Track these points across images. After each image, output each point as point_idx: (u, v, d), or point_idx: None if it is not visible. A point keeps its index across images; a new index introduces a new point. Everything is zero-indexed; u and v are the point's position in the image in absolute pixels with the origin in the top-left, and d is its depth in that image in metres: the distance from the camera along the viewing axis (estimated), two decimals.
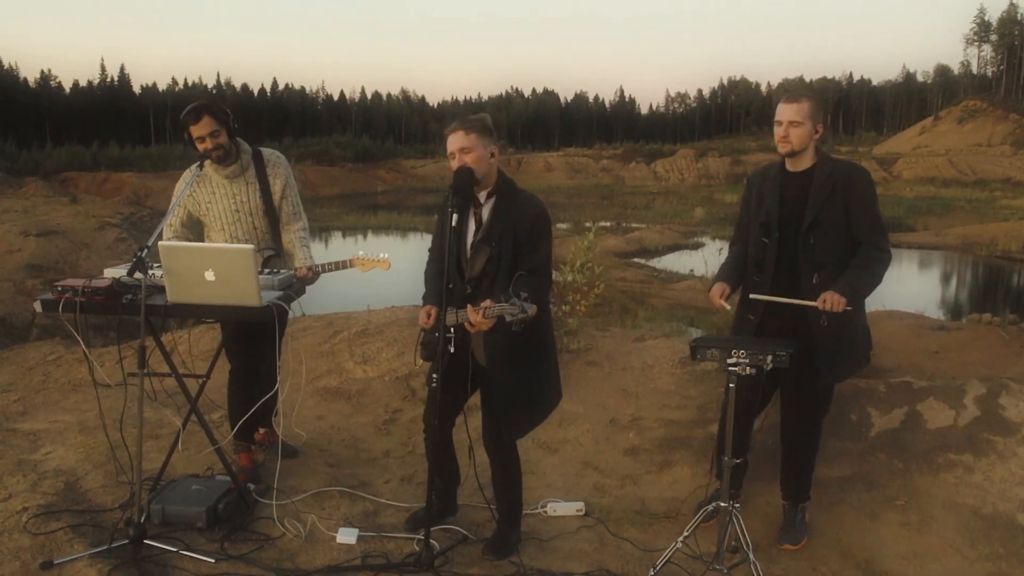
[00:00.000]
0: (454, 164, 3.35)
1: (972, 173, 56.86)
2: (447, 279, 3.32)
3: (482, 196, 3.41)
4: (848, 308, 3.39)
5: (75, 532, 3.52)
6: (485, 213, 3.41)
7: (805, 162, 3.65)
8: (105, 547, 3.38)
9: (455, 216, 3.27)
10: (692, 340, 3.40)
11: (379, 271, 3.96)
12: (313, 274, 4.02)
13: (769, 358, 3.16)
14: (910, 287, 20.36)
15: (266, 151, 4.23)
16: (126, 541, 3.40)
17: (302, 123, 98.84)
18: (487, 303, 3.16)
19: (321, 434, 5.06)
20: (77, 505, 3.81)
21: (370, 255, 3.93)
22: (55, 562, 3.26)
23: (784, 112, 3.59)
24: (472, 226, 3.44)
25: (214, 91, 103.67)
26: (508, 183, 3.45)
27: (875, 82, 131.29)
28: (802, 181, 3.64)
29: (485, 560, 3.56)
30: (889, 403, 4.66)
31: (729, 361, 3.22)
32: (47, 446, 4.56)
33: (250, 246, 3.35)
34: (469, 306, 3.21)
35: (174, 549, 3.42)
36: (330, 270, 4.03)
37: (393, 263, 3.91)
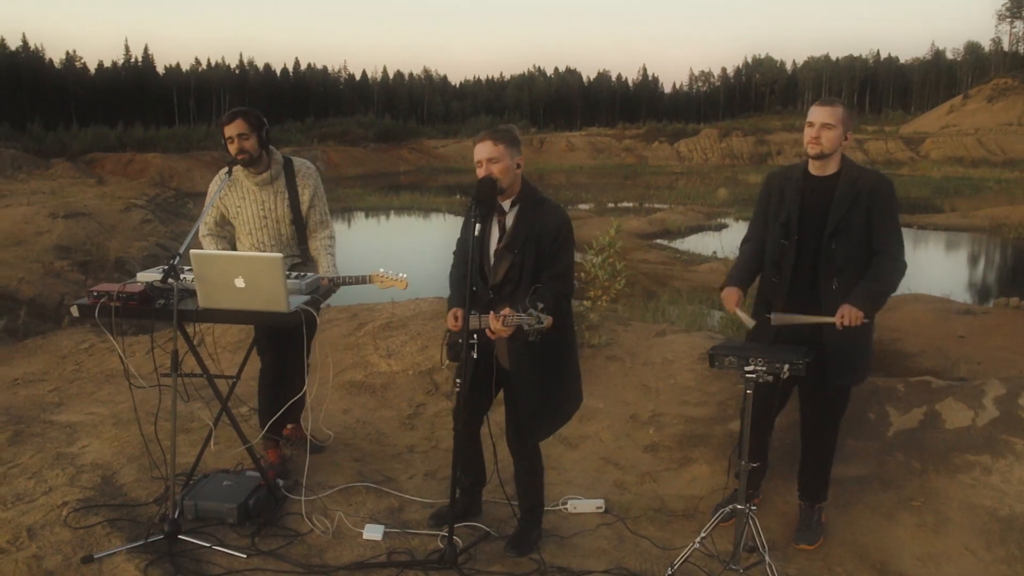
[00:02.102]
0: (480, 172, 3.43)
1: (1002, 153, 55.97)
2: (470, 284, 3.40)
3: (506, 204, 3.49)
4: (865, 320, 3.44)
5: (113, 527, 3.65)
6: (509, 221, 3.49)
7: (831, 167, 3.68)
8: (142, 542, 3.51)
9: (478, 226, 3.35)
10: (710, 348, 3.46)
11: (396, 289, 4.09)
12: (333, 286, 4.14)
13: (786, 367, 3.22)
14: (936, 270, 20.18)
15: (297, 161, 4.34)
16: (161, 536, 3.52)
17: (324, 103, 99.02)
18: (507, 311, 3.25)
19: (347, 428, 5.18)
20: (113, 499, 3.95)
21: (389, 273, 4.04)
22: (95, 556, 3.40)
23: (818, 114, 3.61)
24: (496, 233, 3.51)
25: (237, 71, 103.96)
26: (532, 192, 3.53)
27: (903, 60, 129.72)
28: (825, 186, 3.67)
29: (507, 557, 3.66)
30: (907, 402, 4.70)
31: (747, 369, 3.28)
32: (83, 439, 4.71)
33: (279, 255, 3.44)
34: (492, 313, 3.30)
35: (207, 544, 3.55)
36: (350, 283, 4.15)
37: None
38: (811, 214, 3.67)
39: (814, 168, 3.72)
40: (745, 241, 4.01)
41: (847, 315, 3.42)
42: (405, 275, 4.00)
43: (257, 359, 4.42)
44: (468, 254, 3.47)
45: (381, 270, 4.02)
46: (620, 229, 6.60)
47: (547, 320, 3.21)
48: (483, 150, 3.42)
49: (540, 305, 3.19)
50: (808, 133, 3.64)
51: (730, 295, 3.77)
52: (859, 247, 3.60)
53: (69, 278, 15.59)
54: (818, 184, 3.69)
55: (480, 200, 3.36)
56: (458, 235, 3.78)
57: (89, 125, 59.37)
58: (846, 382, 3.76)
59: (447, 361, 3.76)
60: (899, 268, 3.58)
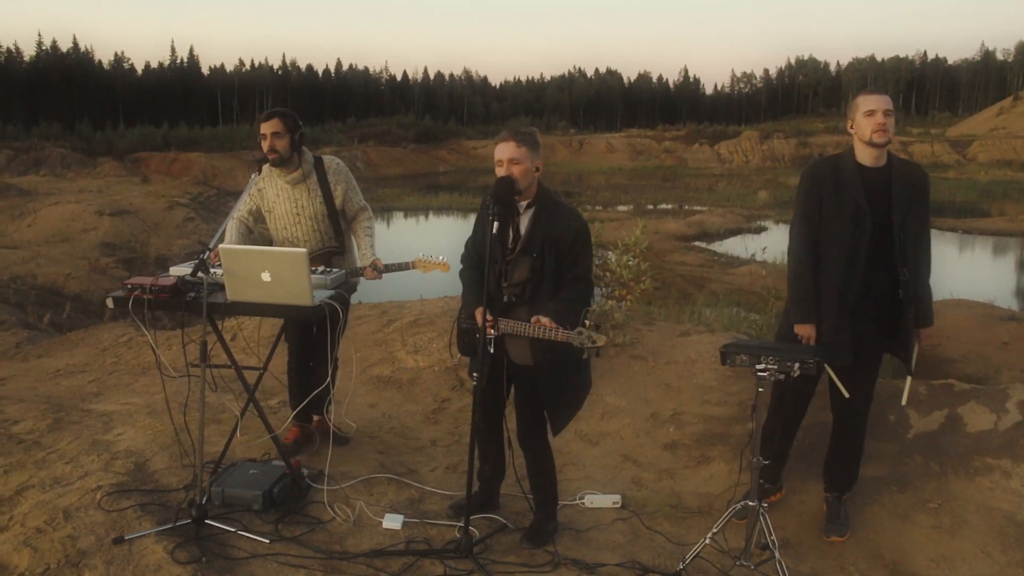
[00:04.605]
0: (500, 172, 3.50)
1: None
2: (487, 281, 3.48)
3: (521, 206, 3.55)
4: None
5: (143, 510, 3.79)
6: (523, 223, 3.55)
7: (884, 158, 3.73)
8: (170, 525, 3.64)
9: (496, 224, 3.42)
10: (722, 346, 3.50)
11: (439, 272, 4.24)
12: (378, 273, 4.31)
13: (796, 366, 3.25)
14: (981, 275, 19.81)
15: (327, 158, 4.51)
16: (189, 520, 3.65)
17: (365, 104, 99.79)
18: (546, 321, 3.33)
19: (372, 421, 5.29)
20: (145, 485, 4.10)
21: (431, 257, 4.20)
22: (126, 538, 3.54)
23: (878, 102, 3.64)
24: (509, 235, 3.58)
25: (279, 72, 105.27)
26: (547, 195, 3.58)
27: (951, 60, 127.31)
28: (880, 177, 3.71)
29: (522, 549, 3.73)
30: (929, 405, 4.68)
31: (758, 367, 3.32)
32: (118, 427, 4.88)
33: (303, 250, 3.55)
34: (537, 317, 3.37)
35: (232, 529, 3.67)
36: (393, 270, 4.34)
37: (453, 245, 4.14)
38: (874, 205, 3.69)
39: (868, 159, 3.72)
40: (800, 237, 3.86)
41: (926, 336, 3.92)
42: (444, 257, 4.23)
43: (284, 353, 4.57)
44: (482, 254, 3.55)
45: (421, 255, 4.18)
46: (646, 230, 6.64)
47: (601, 340, 3.28)
48: (505, 150, 3.48)
49: (588, 322, 3.27)
50: (873, 121, 3.62)
51: (808, 333, 3.85)
52: (916, 236, 3.74)
53: (113, 274, 16.02)
54: (874, 175, 3.72)
55: (498, 199, 3.43)
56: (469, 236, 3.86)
57: (135, 125, 60.70)
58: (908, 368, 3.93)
59: (458, 356, 3.85)
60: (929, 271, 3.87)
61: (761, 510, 3.44)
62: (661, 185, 46.51)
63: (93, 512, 3.75)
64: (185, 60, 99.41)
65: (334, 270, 4.10)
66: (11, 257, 15.75)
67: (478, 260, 3.70)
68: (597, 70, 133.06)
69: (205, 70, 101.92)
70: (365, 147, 58.30)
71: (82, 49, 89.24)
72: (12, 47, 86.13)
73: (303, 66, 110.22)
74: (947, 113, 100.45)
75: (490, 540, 3.77)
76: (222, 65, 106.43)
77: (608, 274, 6.51)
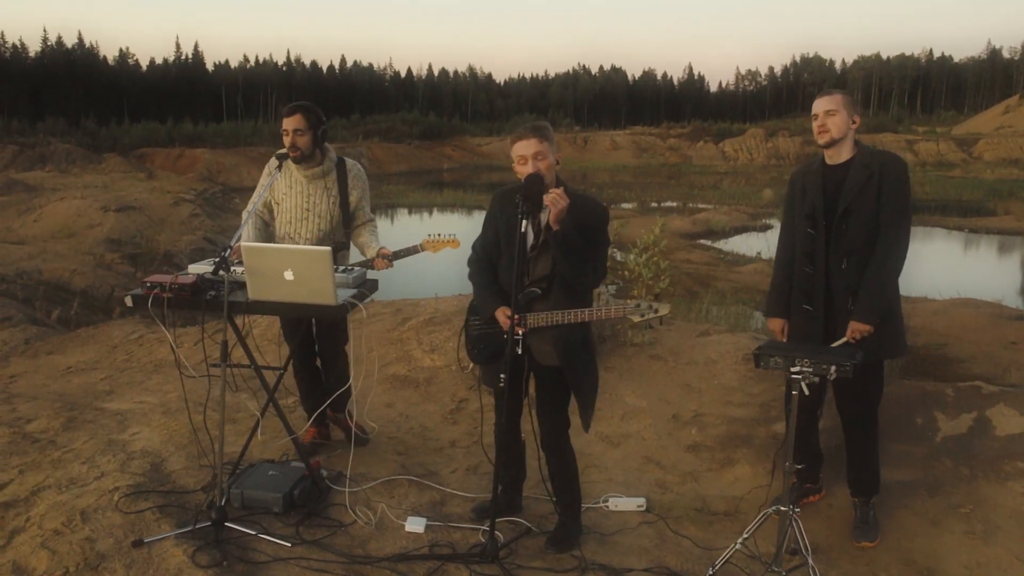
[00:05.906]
0: (524, 169, 3.43)
1: None
2: (517, 278, 3.41)
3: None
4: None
5: (162, 512, 3.73)
6: (544, 217, 3.48)
7: (844, 154, 3.75)
8: (190, 528, 3.58)
9: (524, 223, 3.35)
10: (756, 348, 3.43)
11: (450, 250, 4.16)
12: (388, 262, 4.23)
13: (833, 368, 3.18)
14: (988, 274, 19.71)
15: (349, 161, 4.48)
16: (209, 523, 3.59)
17: (369, 100, 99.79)
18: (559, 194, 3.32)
19: (391, 422, 5.23)
20: (163, 486, 4.03)
21: (438, 236, 4.11)
22: (145, 541, 3.48)
23: (818, 105, 3.75)
24: (530, 229, 3.51)
25: (284, 68, 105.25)
26: (564, 187, 3.53)
27: (957, 59, 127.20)
28: (842, 173, 3.75)
29: (548, 553, 3.66)
30: (957, 408, 4.61)
31: (793, 370, 3.25)
32: (133, 427, 4.82)
33: (327, 248, 3.48)
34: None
35: (253, 532, 3.61)
36: (402, 256, 4.24)
37: (461, 244, 4.05)
38: (833, 202, 3.74)
39: (829, 158, 3.80)
40: (781, 240, 4.04)
41: (856, 332, 3.64)
42: (454, 234, 4.09)
43: None
44: (493, 254, 3.58)
45: (429, 235, 4.09)
46: (665, 228, 6.57)
47: (664, 309, 3.35)
48: (529, 146, 3.42)
49: (644, 294, 3.25)
50: (814, 126, 3.75)
51: (777, 327, 4.00)
52: (869, 228, 3.67)
53: (119, 270, 15.96)
54: (835, 172, 3.77)
55: (528, 196, 3.36)
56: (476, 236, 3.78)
57: (140, 121, 60.78)
58: (860, 359, 3.72)
59: (470, 364, 3.80)
60: (900, 244, 3.65)
61: (793, 515, 3.38)
62: (666, 183, 46.33)
63: (111, 514, 3.69)
64: (190, 56, 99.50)
65: (356, 268, 4.04)
66: (17, 252, 15.68)
67: (488, 261, 3.66)
68: (602, 67, 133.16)
69: (210, 66, 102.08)
70: (369, 143, 58.22)
71: (87, 45, 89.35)
72: (17, 43, 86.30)
73: (308, 62, 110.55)
74: (953, 111, 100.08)
75: (515, 544, 3.70)
76: (227, 61, 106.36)
77: (626, 273, 6.44)
